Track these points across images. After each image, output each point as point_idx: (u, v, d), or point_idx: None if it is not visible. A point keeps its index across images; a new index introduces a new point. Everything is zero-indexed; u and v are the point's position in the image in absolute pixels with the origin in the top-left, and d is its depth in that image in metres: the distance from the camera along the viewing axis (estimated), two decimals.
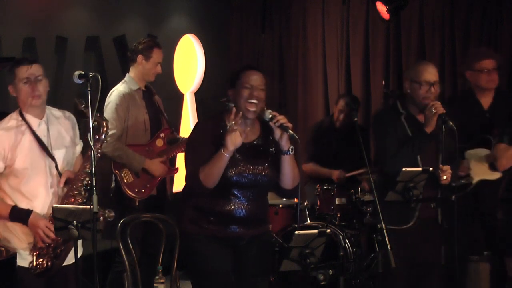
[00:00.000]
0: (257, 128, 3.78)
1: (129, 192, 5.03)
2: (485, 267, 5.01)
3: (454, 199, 4.73)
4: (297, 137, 3.59)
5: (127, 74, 5.25)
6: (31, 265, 3.67)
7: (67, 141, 3.85)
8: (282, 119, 3.58)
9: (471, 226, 4.84)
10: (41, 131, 3.77)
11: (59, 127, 3.85)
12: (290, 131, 3.57)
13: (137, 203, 5.06)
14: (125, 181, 5.04)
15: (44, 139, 3.76)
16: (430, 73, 4.12)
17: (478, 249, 5.08)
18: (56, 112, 3.91)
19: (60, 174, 3.75)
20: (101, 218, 3.60)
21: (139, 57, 5.19)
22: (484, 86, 4.93)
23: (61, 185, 3.73)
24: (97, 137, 3.78)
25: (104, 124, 3.78)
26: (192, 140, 3.79)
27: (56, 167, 3.76)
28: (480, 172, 4.77)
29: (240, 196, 3.69)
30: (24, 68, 3.70)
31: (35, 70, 3.71)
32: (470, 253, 4.98)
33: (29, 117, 3.76)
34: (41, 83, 3.72)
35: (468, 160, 4.76)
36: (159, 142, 5.22)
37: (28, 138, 3.73)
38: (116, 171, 5.03)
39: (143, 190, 5.08)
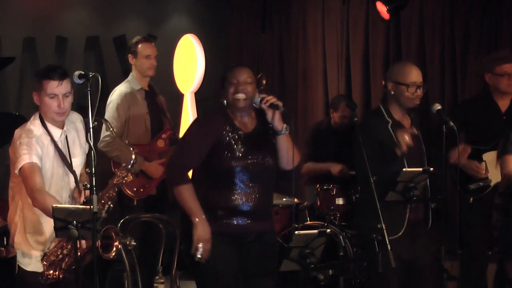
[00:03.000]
0: (253, 117, 3.82)
1: (127, 191, 5.04)
2: (492, 267, 5.02)
3: (471, 202, 4.75)
4: (289, 113, 3.65)
5: (130, 73, 5.28)
6: (43, 273, 3.65)
7: (81, 148, 3.83)
8: (271, 98, 3.65)
9: (485, 226, 4.84)
10: (61, 143, 3.73)
11: (75, 134, 3.82)
12: (282, 107, 3.62)
13: (135, 202, 5.07)
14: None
15: (64, 150, 3.72)
16: (417, 75, 4.09)
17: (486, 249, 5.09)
18: (71, 115, 3.84)
19: (79, 189, 3.72)
20: (119, 246, 3.59)
21: (130, 57, 5.25)
22: (504, 90, 4.91)
23: (81, 202, 3.70)
24: (124, 164, 3.79)
25: (133, 152, 3.77)
26: (194, 128, 3.84)
27: (76, 182, 3.73)
28: (498, 175, 4.75)
29: (246, 188, 3.70)
30: (54, 84, 3.60)
31: (64, 87, 3.62)
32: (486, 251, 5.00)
33: (51, 127, 3.70)
34: (68, 99, 3.66)
35: (486, 163, 4.75)
36: (160, 143, 5.22)
37: (52, 150, 3.69)
38: (116, 169, 5.03)
39: (141, 190, 5.09)
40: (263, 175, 3.74)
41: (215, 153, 3.69)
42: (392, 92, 4.09)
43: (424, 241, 4.11)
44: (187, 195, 3.67)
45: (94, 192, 3.34)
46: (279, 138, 3.71)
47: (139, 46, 5.22)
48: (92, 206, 3.31)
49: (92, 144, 3.42)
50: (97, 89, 3.49)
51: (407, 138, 3.97)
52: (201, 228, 3.64)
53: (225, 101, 3.76)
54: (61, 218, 3.45)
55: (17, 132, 3.69)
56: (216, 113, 3.83)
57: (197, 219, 3.65)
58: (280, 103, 3.63)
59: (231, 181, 3.68)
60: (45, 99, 3.63)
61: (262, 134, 3.78)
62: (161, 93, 5.53)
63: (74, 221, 3.44)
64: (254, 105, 3.70)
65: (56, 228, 3.51)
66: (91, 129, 3.42)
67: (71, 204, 3.72)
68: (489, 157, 4.77)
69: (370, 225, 3.87)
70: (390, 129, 4.08)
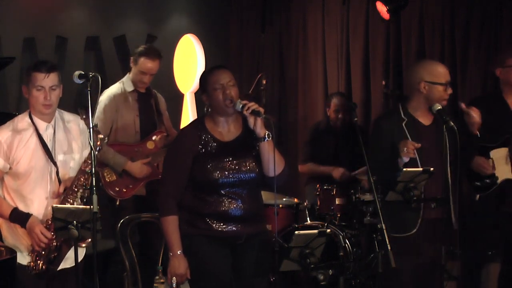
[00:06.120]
0: (239, 124, 3.80)
1: (109, 191, 5.05)
2: (496, 267, 5.02)
3: (477, 199, 4.75)
4: (270, 120, 3.62)
5: (127, 74, 5.28)
6: (28, 264, 3.69)
7: (73, 147, 3.84)
8: (253, 105, 3.61)
9: (490, 225, 4.84)
10: (47, 135, 3.76)
11: (67, 132, 3.84)
12: (263, 114, 3.59)
13: (117, 203, 5.06)
14: (106, 180, 5.05)
15: (49, 144, 3.76)
16: (448, 74, 4.15)
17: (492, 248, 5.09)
18: (67, 116, 3.90)
19: (59, 181, 3.75)
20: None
21: (131, 59, 5.24)
22: None
23: (60, 192, 3.73)
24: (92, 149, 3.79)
25: (98, 137, 3.74)
26: (171, 152, 3.85)
27: (57, 173, 3.75)
28: (505, 172, 4.76)
29: (232, 195, 3.69)
30: (41, 76, 3.67)
31: (51, 79, 3.69)
32: (486, 253, 5.00)
33: (37, 120, 3.76)
34: (55, 92, 3.72)
35: (493, 160, 4.75)
36: (150, 144, 5.21)
37: (34, 141, 3.73)
38: (99, 169, 5.04)
39: (124, 190, 5.08)
40: (248, 182, 3.72)
41: (197, 167, 3.68)
42: (424, 92, 4.10)
43: (447, 241, 4.10)
44: (169, 227, 3.69)
45: (94, 192, 3.35)
46: (261, 145, 3.67)
47: (141, 58, 5.19)
48: (92, 206, 3.32)
49: (92, 144, 3.42)
50: (97, 89, 3.50)
51: (410, 146, 3.96)
52: (177, 263, 3.68)
53: (209, 109, 3.73)
54: (61, 218, 3.47)
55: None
56: (189, 129, 3.83)
57: (172, 254, 3.69)
58: (261, 110, 3.60)
59: (216, 191, 3.68)
60: (33, 91, 3.70)
61: (245, 141, 3.75)
62: (161, 93, 5.53)
63: (74, 221, 3.46)
64: (236, 110, 3.67)
65: (56, 228, 3.53)
66: (91, 129, 3.43)
67: (53, 195, 3.74)
68: (497, 154, 4.76)
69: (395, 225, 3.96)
70: (404, 127, 4.10)
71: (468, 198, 4.86)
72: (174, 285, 3.62)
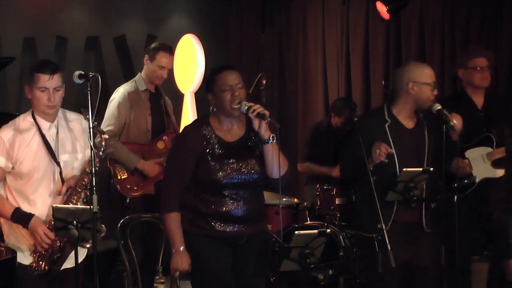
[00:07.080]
0: (243, 123, 3.79)
1: (120, 188, 5.05)
2: (484, 267, 5.01)
3: (456, 200, 4.73)
4: (275, 123, 3.61)
5: (139, 73, 5.29)
6: (30, 265, 3.69)
7: (76, 147, 3.83)
8: (258, 108, 3.58)
9: (472, 226, 4.83)
10: (50, 135, 3.75)
11: (70, 132, 3.83)
12: (268, 118, 3.58)
13: (128, 200, 5.07)
14: (118, 177, 5.06)
15: (52, 143, 3.74)
16: (434, 75, 4.15)
17: (479, 249, 5.08)
18: (70, 115, 3.88)
19: (63, 181, 3.75)
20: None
21: (145, 57, 5.25)
22: (477, 84, 4.92)
23: (62, 193, 3.72)
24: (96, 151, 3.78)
25: (103, 137, 3.69)
26: (173, 150, 3.84)
27: (60, 172, 3.75)
28: (483, 171, 4.76)
29: (235, 196, 3.69)
30: (45, 77, 3.64)
31: (55, 81, 3.66)
32: (472, 254, 4.99)
33: (40, 120, 3.74)
34: (58, 93, 3.70)
35: (469, 160, 4.75)
36: (161, 144, 5.23)
37: (37, 140, 3.72)
38: (111, 166, 5.05)
39: (135, 188, 5.09)
40: (251, 183, 3.71)
41: (201, 167, 3.68)
42: (413, 92, 4.10)
43: (423, 243, 4.10)
44: (171, 224, 3.69)
45: (94, 192, 3.35)
46: (265, 147, 3.66)
47: (159, 53, 5.20)
48: (92, 206, 3.32)
49: (92, 144, 3.42)
50: (97, 89, 3.49)
51: (383, 149, 3.95)
52: (180, 259, 3.68)
53: (214, 108, 3.72)
54: (61, 218, 3.46)
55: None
56: (192, 128, 3.81)
57: (175, 250, 3.69)
58: (267, 113, 3.58)
59: (219, 192, 3.67)
60: (36, 92, 3.68)
61: (249, 142, 3.75)
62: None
63: (74, 221, 3.45)
64: (241, 111, 3.65)
65: (56, 228, 3.52)
66: (91, 129, 3.43)
67: (56, 195, 3.74)
68: (472, 154, 4.77)
69: (369, 225, 3.90)
70: (387, 129, 4.09)
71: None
72: (177, 280, 3.60)
